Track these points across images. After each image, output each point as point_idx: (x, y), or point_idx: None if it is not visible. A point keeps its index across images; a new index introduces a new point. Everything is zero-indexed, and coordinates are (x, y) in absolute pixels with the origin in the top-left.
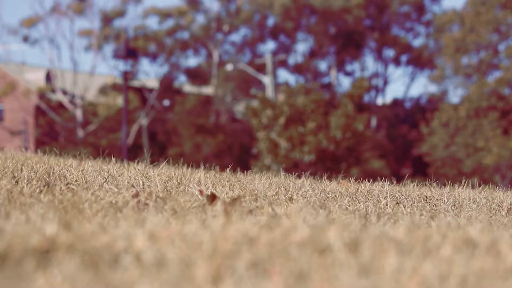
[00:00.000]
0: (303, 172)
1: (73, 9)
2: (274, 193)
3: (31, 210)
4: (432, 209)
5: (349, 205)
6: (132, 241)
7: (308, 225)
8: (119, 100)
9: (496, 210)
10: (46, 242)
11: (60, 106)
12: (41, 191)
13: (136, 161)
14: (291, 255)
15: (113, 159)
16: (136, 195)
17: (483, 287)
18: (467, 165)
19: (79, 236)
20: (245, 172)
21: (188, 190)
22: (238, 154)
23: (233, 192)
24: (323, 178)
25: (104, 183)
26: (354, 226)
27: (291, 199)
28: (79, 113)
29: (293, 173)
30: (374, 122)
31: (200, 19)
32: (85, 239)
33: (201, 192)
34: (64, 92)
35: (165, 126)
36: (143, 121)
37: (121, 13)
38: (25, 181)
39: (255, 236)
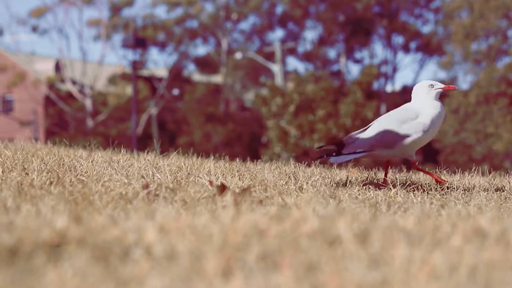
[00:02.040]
0: (312, 161)
1: None
2: (284, 183)
3: (41, 202)
4: (443, 197)
5: (359, 194)
6: (143, 234)
7: (318, 216)
8: (129, 90)
9: (506, 198)
10: (57, 236)
11: (70, 96)
12: (51, 183)
13: (146, 151)
14: (301, 246)
15: (123, 150)
16: (146, 186)
17: (493, 278)
18: (477, 152)
19: (89, 229)
20: (255, 161)
21: (198, 180)
22: (248, 142)
23: (243, 182)
24: (333, 167)
25: (114, 174)
26: (364, 216)
27: (301, 188)
28: (88, 103)
29: (303, 162)
30: (383, 109)
31: (209, 7)
32: (96, 232)
33: (211, 182)
34: (74, 82)
35: (174, 115)
36: (153, 110)
37: (129, 2)
38: (35, 172)
39: (265, 228)
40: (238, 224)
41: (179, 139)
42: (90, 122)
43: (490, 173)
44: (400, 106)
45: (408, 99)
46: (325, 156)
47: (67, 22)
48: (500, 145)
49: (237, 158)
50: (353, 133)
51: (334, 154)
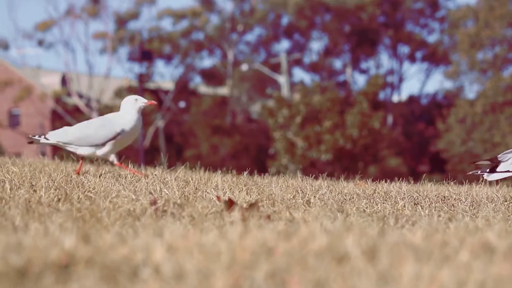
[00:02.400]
0: (320, 174)
1: (87, 12)
2: (291, 197)
3: (49, 220)
4: (450, 210)
5: (366, 207)
6: (151, 252)
7: (326, 232)
8: None
9: None
10: (65, 256)
11: (76, 109)
12: (59, 200)
13: (153, 165)
14: (309, 264)
15: (130, 165)
16: (154, 202)
17: None
18: None
19: (97, 249)
20: (262, 174)
21: (205, 195)
22: (255, 154)
23: (250, 196)
24: (340, 179)
25: (122, 190)
26: (372, 231)
27: (308, 202)
28: (95, 116)
29: (310, 174)
30: (390, 119)
31: (214, 19)
32: (104, 252)
33: (218, 198)
34: (80, 96)
35: (181, 128)
36: (160, 123)
37: (135, 15)
38: (43, 189)
39: (273, 245)
40: (246, 241)
41: (186, 152)
42: None
43: (497, 183)
44: (406, 116)
45: (414, 109)
46: (478, 172)
47: (73, 36)
48: None
49: (245, 172)
50: (508, 151)
51: (488, 170)
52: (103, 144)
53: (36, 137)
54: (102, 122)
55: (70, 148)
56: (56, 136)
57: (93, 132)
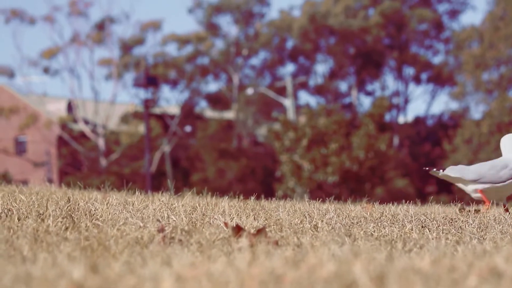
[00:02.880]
0: (327, 197)
1: (92, 39)
2: (299, 221)
3: (58, 249)
4: (458, 233)
5: (374, 231)
6: (159, 283)
7: (334, 258)
8: (141, 128)
9: None
10: (74, 287)
11: (82, 136)
12: (66, 228)
13: (160, 191)
14: None
15: (137, 191)
16: (162, 229)
17: None
18: None
19: (106, 279)
20: (269, 198)
21: (213, 222)
22: (261, 177)
23: (257, 222)
24: (348, 203)
25: (129, 217)
26: (380, 257)
27: (316, 227)
28: (101, 142)
29: (317, 198)
30: (396, 141)
31: (219, 44)
32: (112, 282)
33: (226, 224)
34: (86, 122)
35: (187, 152)
36: (166, 148)
37: (140, 41)
38: (51, 218)
39: (281, 273)
40: (255, 270)
41: (193, 176)
42: (103, 162)
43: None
44: (413, 137)
45: (420, 130)
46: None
47: (78, 62)
48: None
49: (251, 197)
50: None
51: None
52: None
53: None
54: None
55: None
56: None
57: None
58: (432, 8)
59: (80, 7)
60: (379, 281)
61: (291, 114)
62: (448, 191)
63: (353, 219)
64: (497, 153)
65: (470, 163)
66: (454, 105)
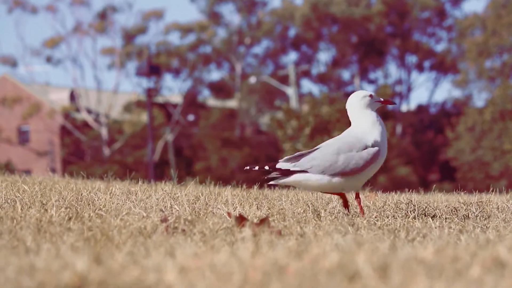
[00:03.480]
0: None
1: (94, 28)
2: (302, 211)
3: (61, 240)
4: (460, 221)
5: (377, 220)
6: (163, 274)
7: (337, 249)
8: (144, 117)
9: None
10: (78, 279)
11: (85, 125)
12: (70, 219)
13: (163, 180)
14: (321, 283)
15: (140, 181)
16: (165, 219)
17: None
18: (494, 168)
19: (109, 270)
20: (272, 187)
21: (216, 211)
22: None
23: (260, 211)
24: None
25: (132, 207)
26: (383, 247)
27: (319, 216)
28: (104, 131)
29: None
30: (399, 129)
31: (222, 33)
32: (116, 273)
33: (229, 214)
34: (89, 111)
35: (190, 141)
36: (169, 136)
37: (142, 30)
38: (54, 208)
39: (285, 264)
40: (258, 261)
41: (196, 165)
42: (106, 151)
43: (507, 191)
44: (415, 125)
45: (423, 118)
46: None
47: (81, 52)
48: None
49: (254, 186)
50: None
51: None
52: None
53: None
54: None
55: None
56: None
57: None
58: None
59: None
60: (382, 272)
61: (294, 103)
62: (451, 179)
63: (356, 208)
64: (500, 140)
65: (473, 151)
66: (457, 93)
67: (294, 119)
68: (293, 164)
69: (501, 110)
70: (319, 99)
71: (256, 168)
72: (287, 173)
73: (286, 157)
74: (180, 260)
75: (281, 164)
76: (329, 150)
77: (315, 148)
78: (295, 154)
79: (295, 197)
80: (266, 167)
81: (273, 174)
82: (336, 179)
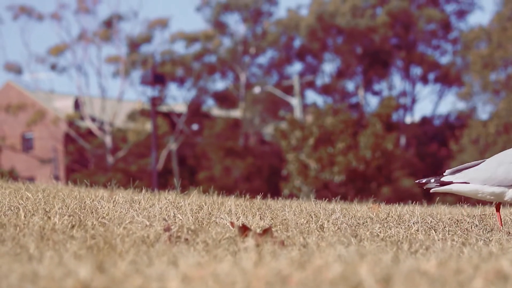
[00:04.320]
0: (333, 197)
1: (99, 36)
2: (305, 221)
3: (64, 248)
4: (464, 234)
5: (380, 232)
6: (166, 283)
7: (340, 260)
8: (148, 126)
9: None
10: (80, 287)
11: (89, 133)
12: (73, 226)
13: (166, 189)
14: None
15: (144, 190)
16: (168, 229)
17: None
18: None
19: (112, 278)
20: (276, 197)
21: (219, 221)
22: (267, 176)
23: (264, 221)
24: (354, 203)
25: (136, 216)
26: (386, 259)
27: (322, 227)
28: (108, 140)
29: (324, 198)
30: (403, 140)
31: (227, 42)
32: (119, 281)
33: (232, 224)
34: (93, 119)
35: (194, 150)
36: (173, 145)
37: (147, 39)
38: (57, 216)
39: (287, 275)
40: (261, 271)
41: (199, 174)
42: (110, 159)
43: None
44: (419, 137)
45: (427, 130)
46: (428, 181)
47: (86, 60)
48: None
49: (258, 196)
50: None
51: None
52: None
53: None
54: None
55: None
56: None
57: None
58: (440, 8)
59: (88, 4)
60: (385, 284)
61: (298, 113)
62: None
63: (359, 219)
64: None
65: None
66: (461, 105)
67: (298, 129)
68: (455, 176)
69: (505, 123)
70: (323, 110)
71: (424, 181)
72: (448, 183)
73: (452, 169)
74: (183, 269)
75: (446, 177)
76: (492, 162)
77: (482, 160)
78: (461, 166)
79: (298, 208)
80: (432, 180)
81: (433, 184)
82: (495, 189)
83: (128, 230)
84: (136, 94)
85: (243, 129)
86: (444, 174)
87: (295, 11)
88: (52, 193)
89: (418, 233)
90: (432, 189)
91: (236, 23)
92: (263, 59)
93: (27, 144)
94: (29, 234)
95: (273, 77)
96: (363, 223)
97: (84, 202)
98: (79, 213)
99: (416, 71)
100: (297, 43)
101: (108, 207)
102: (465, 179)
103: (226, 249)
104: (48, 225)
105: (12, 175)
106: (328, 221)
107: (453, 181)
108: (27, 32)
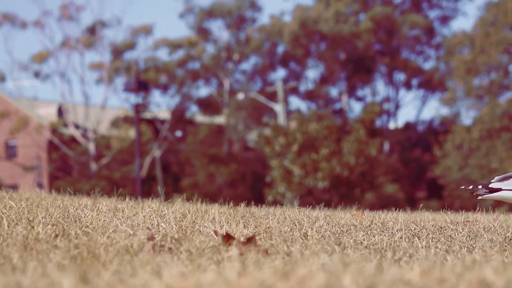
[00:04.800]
0: (317, 204)
1: (83, 43)
2: (288, 229)
3: (47, 258)
4: (447, 241)
5: (363, 239)
6: None
7: (324, 269)
8: (132, 133)
9: (511, 239)
10: None
11: (73, 140)
12: (56, 236)
13: (150, 197)
14: None
15: (127, 198)
16: (152, 238)
17: None
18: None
19: None
20: (259, 205)
21: (203, 230)
22: (251, 182)
23: (247, 229)
24: (337, 210)
25: (119, 225)
26: (369, 267)
27: (305, 235)
28: (91, 147)
29: (307, 205)
30: (387, 146)
31: (210, 49)
32: None
33: (215, 232)
34: (76, 126)
35: (178, 157)
36: (156, 152)
37: (131, 46)
38: (41, 225)
39: (271, 285)
40: (244, 281)
41: (183, 181)
42: (93, 166)
43: (494, 210)
44: (403, 142)
45: (411, 135)
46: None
47: (69, 67)
48: None
49: (241, 203)
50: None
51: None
52: None
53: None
54: None
55: None
56: None
57: None
58: (424, 14)
59: (71, 11)
60: None
61: (281, 119)
62: (439, 196)
63: (342, 227)
64: (487, 158)
65: (460, 169)
66: (444, 111)
67: (281, 135)
68: (504, 183)
69: (488, 128)
70: (307, 116)
71: (471, 187)
72: (496, 190)
73: (500, 176)
74: (167, 279)
75: (494, 184)
76: None
77: None
78: (508, 174)
79: (282, 215)
80: (480, 186)
81: (482, 191)
82: None
83: (111, 239)
84: (119, 101)
85: (227, 135)
86: (492, 181)
87: (279, 17)
88: (35, 201)
89: (402, 241)
90: (481, 196)
91: (219, 30)
92: (246, 66)
93: (10, 152)
94: (12, 244)
95: (256, 83)
96: (346, 230)
97: (68, 211)
98: (62, 222)
99: (400, 76)
100: (280, 49)
101: (92, 216)
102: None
103: (209, 258)
104: (31, 235)
105: None
106: (312, 229)
107: (502, 188)
108: (10, 39)
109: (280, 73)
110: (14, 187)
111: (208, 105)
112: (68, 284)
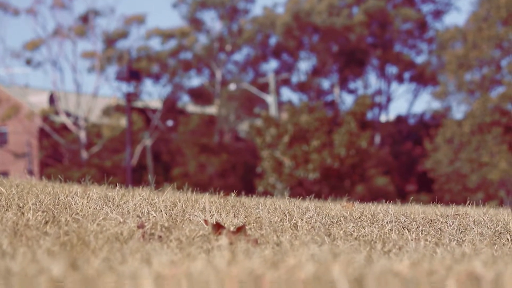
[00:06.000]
0: (307, 195)
1: (75, 32)
2: (279, 220)
3: (37, 244)
4: (437, 234)
5: (353, 231)
6: (139, 281)
7: (313, 259)
8: (123, 121)
9: (501, 233)
10: (54, 285)
11: (64, 128)
12: (46, 222)
13: (141, 186)
14: None
15: (118, 186)
16: (142, 226)
17: None
18: (472, 181)
19: (85, 276)
20: (250, 195)
21: (193, 218)
22: (242, 173)
23: (237, 219)
24: (328, 201)
25: (109, 212)
26: (359, 259)
27: (295, 226)
28: (83, 135)
29: (298, 196)
30: (378, 139)
31: (203, 39)
32: (92, 279)
33: (206, 221)
34: (68, 114)
35: (169, 146)
36: (147, 141)
37: (124, 35)
38: (31, 212)
39: (260, 274)
40: (234, 270)
41: (174, 170)
42: (84, 154)
43: (484, 204)
44: (394, 135)
45: (402, 128)
46: None
47: (61, 55)
48: (495, 174)
49: (232, 193)
50: None
51: None
52: None
53: None
54: None
55: None
56: None
57: None
58: (416, 8)
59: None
60: (357, 284)
61: (273, 111)
62: (429, 190)
63: (333, 218)
64: (478, 153)
65: (451, 163)
66: (436, 105)
67: (273, 127)
68: None
69: (479, 123)
70: (299, 108)
71: None
72: None
73: None
74: (156, 267)
75: None
76: None
77: None
78: None
79: (272, 206)
80: None
81: None
82: None
83: (101, 226)
84: (111, 90)
85: (218, 125)
86: None
87: (271, 9)
88: (26, 188)
89: (392, 233)
90: None
91: (212, 20)
92: (239, 56)
93: (1, 139)
94: (2, 230)
95: (248, 74)
96: (336, 221)
97: (58, 198)
98: (53, 209)
99: (392, 70)
100: (273, 40)
101: (82, 203)
102: None
103: (199, 246)
104: (21, 221)
105: None
106: (302, 219)
107: None
108: (2, 27)
109: (272, 64)
110: (5, 174)
111: (200, 95)
112: (58, 270)
